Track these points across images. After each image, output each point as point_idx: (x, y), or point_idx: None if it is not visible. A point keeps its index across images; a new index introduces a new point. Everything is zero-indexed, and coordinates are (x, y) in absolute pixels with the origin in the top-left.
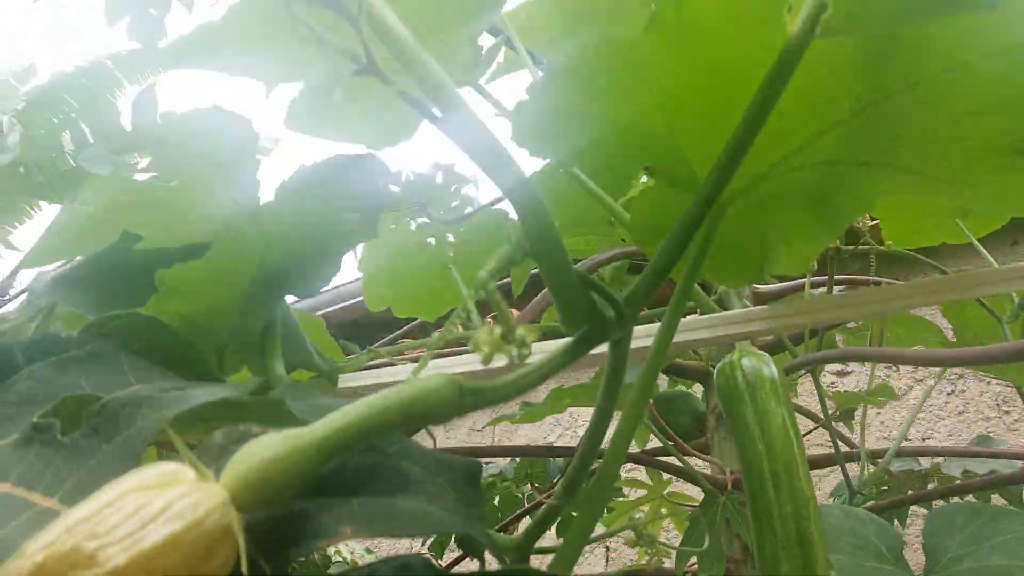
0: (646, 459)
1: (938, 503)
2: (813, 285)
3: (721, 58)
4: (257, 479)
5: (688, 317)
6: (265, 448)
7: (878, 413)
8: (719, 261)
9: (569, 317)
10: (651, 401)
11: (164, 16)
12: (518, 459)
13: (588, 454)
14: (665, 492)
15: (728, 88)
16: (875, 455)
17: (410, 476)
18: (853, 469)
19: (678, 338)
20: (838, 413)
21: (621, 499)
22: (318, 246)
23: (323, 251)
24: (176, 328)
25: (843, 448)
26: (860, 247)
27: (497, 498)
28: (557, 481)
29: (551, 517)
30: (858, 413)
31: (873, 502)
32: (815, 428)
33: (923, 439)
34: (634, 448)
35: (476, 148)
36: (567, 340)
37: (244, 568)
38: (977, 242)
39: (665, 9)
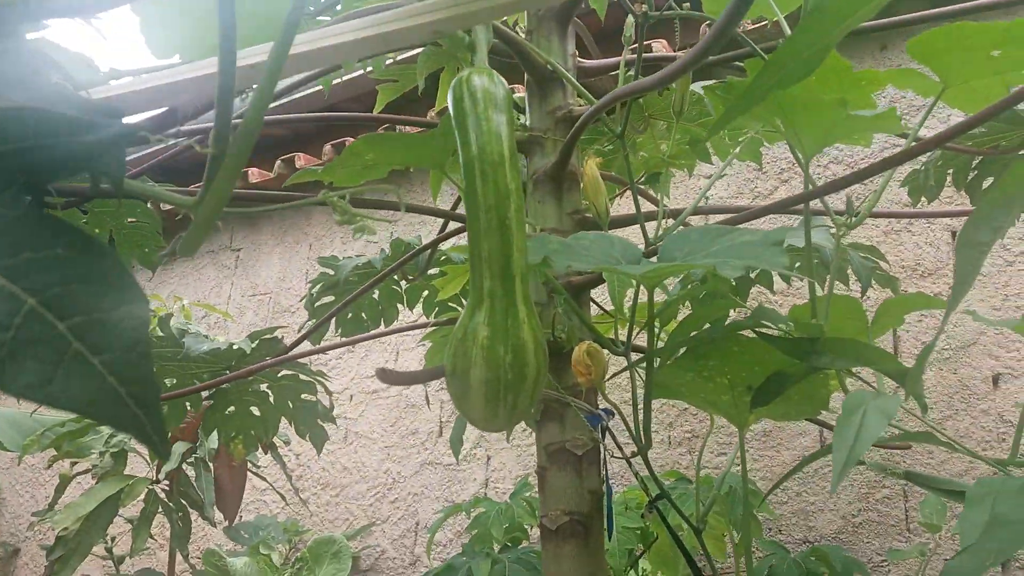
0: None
1: None
2: (627, 63)
3: None
4: None
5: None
6: None
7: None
8: None
9: None
10: None
11: None
12: (387, 252)
13: (224, 101)
14: None
15: None
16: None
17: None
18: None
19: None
20: (644, 178)
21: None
22: None
23: None
24: None
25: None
26: (665, 13)
27: (377, 292)
28: (425, 268)
29: (214, 169)
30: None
31: None
32: (624, 190)
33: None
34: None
35: None
36: None
37: None
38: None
39: None
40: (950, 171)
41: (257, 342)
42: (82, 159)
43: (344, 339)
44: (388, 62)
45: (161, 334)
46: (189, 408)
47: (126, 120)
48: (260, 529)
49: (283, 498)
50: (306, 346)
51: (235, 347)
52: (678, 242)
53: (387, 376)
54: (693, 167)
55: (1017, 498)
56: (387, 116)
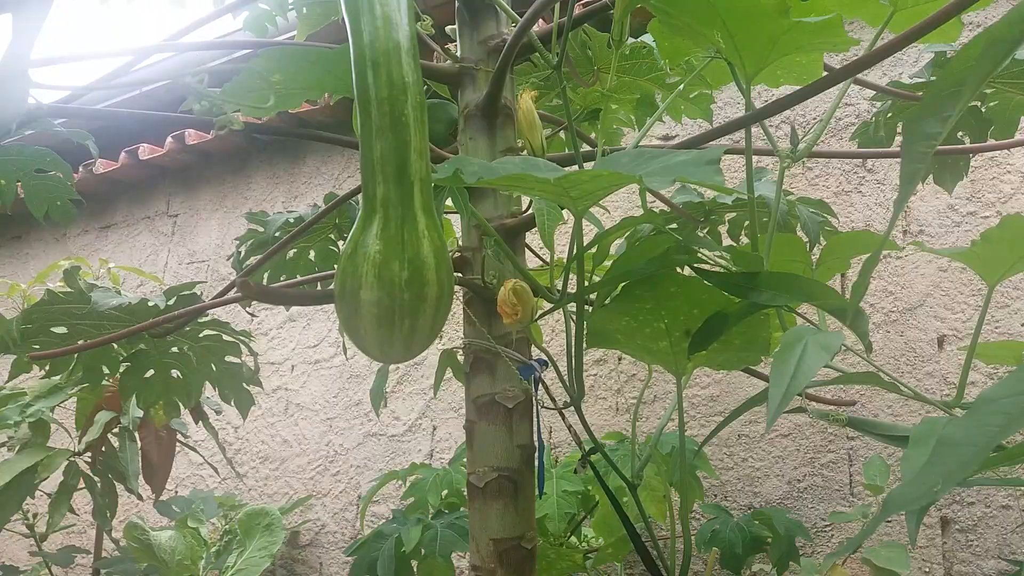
0: None
1: None
2: None
3: None
4: None
5: None
6: None
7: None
8: None
9: None
10: None
11: None
12: (320, 206)
13: None
14: None
15: None
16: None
17: None
18: None
19: None
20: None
21: None
22: None
23: None
24: None
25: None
26: None
27: (313, 253)
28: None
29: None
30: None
31: None
32: (560, 129)
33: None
34: None
35: None
36: None
37: None
38: None
39: None
40: (900, 123)
41: (174, 298)
42: None
43: (280, 281)
44: None
45: (69, 289)
46: (108, 374)
47: None
48: (193, 503)
49: (216, 472)
50: (240, 311)
51: (150, 303)
52: (609, 164)
53: (250, 290)
54: (643, 120)
55: (965, 421)
56: (319, 44)
